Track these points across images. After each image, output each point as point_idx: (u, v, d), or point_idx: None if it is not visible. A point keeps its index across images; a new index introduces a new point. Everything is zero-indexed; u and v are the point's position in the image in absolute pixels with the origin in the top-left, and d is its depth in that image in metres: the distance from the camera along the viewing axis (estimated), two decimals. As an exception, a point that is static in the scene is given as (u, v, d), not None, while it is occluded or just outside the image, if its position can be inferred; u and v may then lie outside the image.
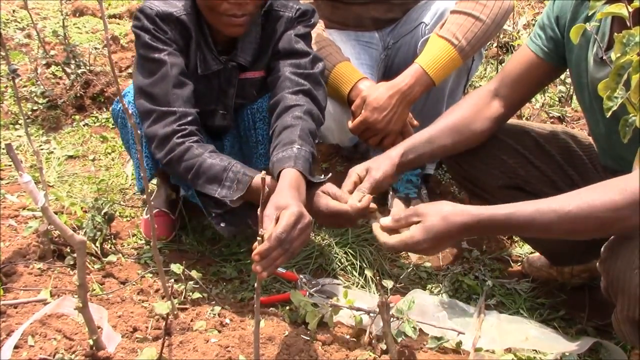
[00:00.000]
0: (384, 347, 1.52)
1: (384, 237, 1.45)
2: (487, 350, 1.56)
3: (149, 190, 1.45)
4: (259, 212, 1.24)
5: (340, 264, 1.97)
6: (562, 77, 2.93)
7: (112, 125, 2.77)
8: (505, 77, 1.72)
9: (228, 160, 1.62)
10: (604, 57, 1.38)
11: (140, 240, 2.04)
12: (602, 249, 1.34)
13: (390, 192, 2.32)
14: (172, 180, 1.95)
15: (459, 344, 1.58)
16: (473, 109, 1.72)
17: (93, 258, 1.86)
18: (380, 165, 1.67)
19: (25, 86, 2.94)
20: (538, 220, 1.27)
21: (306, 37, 1.85)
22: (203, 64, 1.79)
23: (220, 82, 1.84)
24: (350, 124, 1.98)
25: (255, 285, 1.31)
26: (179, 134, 1.65)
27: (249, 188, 1.57)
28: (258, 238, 1.32)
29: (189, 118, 1.67)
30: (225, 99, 1.87)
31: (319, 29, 2.12)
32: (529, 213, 1.28)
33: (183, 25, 1.72)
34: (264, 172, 1.13)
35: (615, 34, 1.00)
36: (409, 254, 2.04)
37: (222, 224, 1.71)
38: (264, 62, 1.86)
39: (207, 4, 1.68)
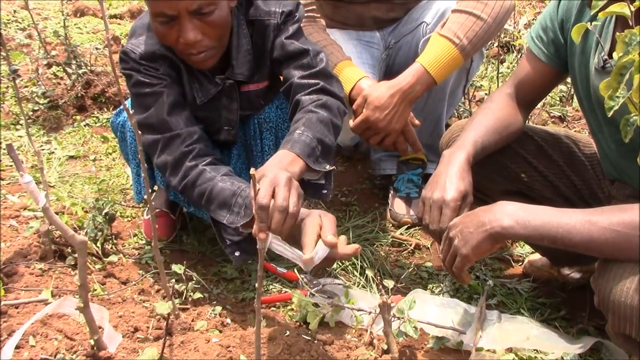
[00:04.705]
0: (385, 347, 1.52)
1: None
2: (488, 350, 1.56)
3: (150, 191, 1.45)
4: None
5: (341, 264, 1.97)
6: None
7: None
8: (517, 81, 1.71)
9: (238, 184, 1.56)
10: (608, 64, 1.37)
11: (141, 240, 2.04)
12: (595, 265, 1.35)
13: (391, 192, 2.32)
14: (187, 208, 1.94)
15: (460, 343, 1.58)
16: (504, 111, 1.68)
17: (94, 258, 1.86)
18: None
19: (26, 86, 2.94)
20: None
21: (297, 33, 1.79)
22: (200, 92, 1.76)
23: (223, 101, 1.81)
24: (351, 123, 1.97)
25: (257, 285, 1.31)
26: (190, 156, 1.62)
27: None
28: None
29: (195, 136, 1.65)
30: (229, 114, 1.84)
31: (320, 28, 2.12)
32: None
33: (169, 59, 1.69)
34: (252, 168, 1.12)
35: (618, 33, 0.99)
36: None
37: (237, 253, 1.60)
38: (265, 72, 1.83)
39: (167, 44, 1.65)
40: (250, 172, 1.08)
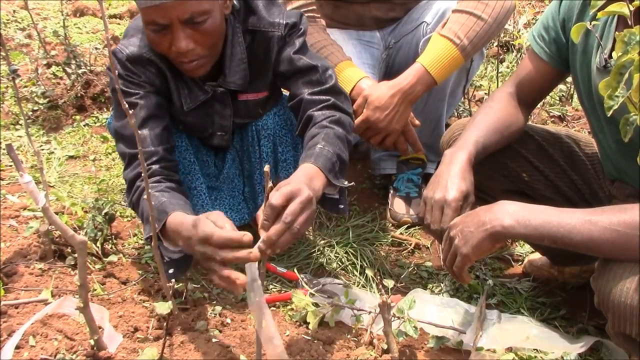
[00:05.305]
0: (385, 346, 1.52)
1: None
2: (488, 350, 1.56)
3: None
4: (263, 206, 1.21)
5: (341, 264, 1.97)
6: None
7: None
8: (518, 80, 1.71)
9: (163, 199, 1.52)
10: (609, 64, 1.37)
11: (141, 240, 2.04)
12: (595, 265, 1.35)
13: (391, 191, 2.32)
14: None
15: (460, 343, 1.58)
16: (505, 110, 1.68)
17: (94, 258, 1.86)
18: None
19: (25, 86, 2.94)
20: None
21: (303, 47, 1.79)
22: (188, 98, 1.74)
23: (215, 107, 1.80)
24: (351, 123, 1.97)
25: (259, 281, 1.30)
26: (142, 176, 1.59)
27: (165, 225, 1.45)
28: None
29: (154, 158, 1.63)
30: (222, 120, 1.84)
31: (320, 28, 2.12)
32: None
33: (155, 65, 1.68)
34: (267, 165, 1.10)
35: (617, 33, 0.99)
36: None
37: (171, 270, 1.55)
38: (265, 82, 1.82)
39: (159, 52, 1.64)
40: (265, 170, 1.07)
